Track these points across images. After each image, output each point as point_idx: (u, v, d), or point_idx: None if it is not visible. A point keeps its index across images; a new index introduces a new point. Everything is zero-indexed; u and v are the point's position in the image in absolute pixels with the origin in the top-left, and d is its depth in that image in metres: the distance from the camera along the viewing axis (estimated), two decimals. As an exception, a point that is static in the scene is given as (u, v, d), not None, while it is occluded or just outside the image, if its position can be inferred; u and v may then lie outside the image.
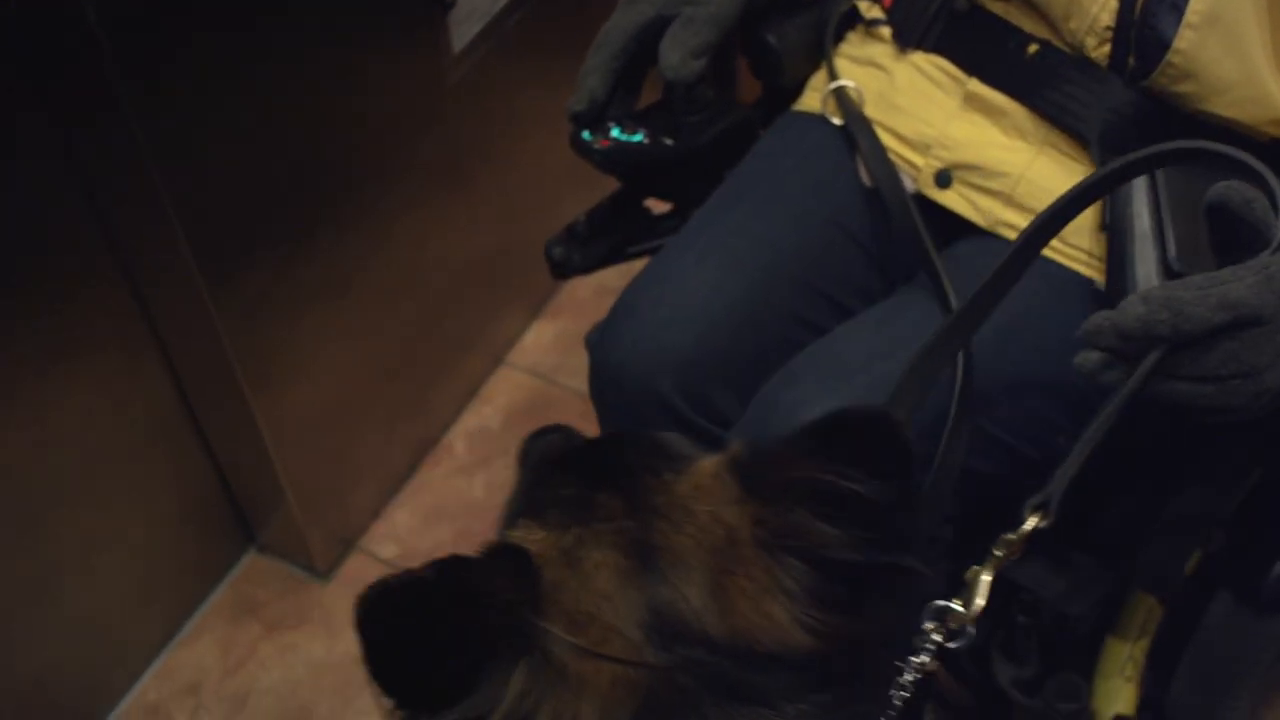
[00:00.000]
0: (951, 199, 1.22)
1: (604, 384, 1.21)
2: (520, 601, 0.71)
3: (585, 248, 1.33)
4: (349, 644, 1.76)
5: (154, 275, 1.53)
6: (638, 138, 1.25)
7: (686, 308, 1.18)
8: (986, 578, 0.88)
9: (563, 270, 1.33)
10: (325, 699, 1.76)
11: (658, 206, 1.42)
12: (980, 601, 0.88)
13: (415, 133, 1.74)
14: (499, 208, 1.96)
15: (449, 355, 2.03)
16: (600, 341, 1.21)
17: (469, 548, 2.07)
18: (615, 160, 1.26)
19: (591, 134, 1.25)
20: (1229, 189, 0.86)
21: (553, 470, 0.84)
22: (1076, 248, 1.16)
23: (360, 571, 1.88)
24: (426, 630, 0.67)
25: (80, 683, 1.75)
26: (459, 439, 2.04)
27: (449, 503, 1.95)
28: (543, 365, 2.12)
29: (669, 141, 1.26)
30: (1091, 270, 1.16)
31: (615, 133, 1.25)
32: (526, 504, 0.81)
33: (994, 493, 1.12)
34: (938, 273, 1.12)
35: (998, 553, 0.88)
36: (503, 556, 0.74)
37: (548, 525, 0.77)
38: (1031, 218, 1.17)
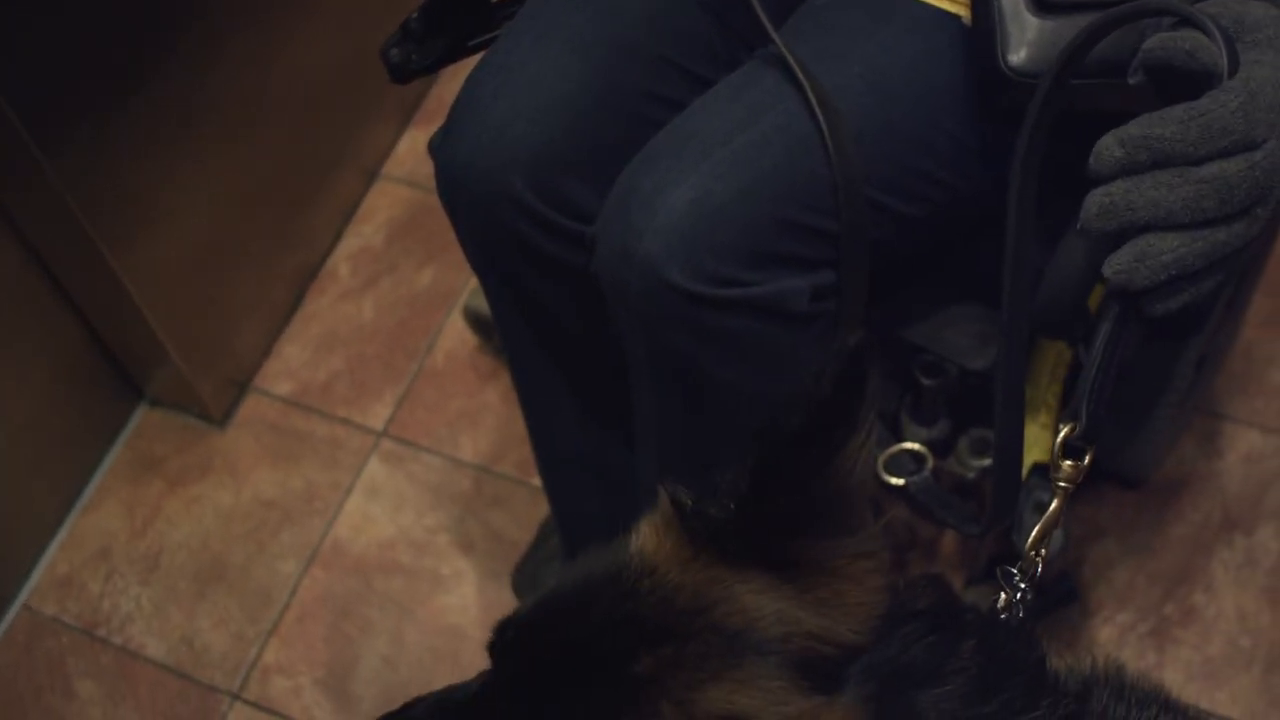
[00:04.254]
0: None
1: (452, 189, 1.12)
2: None
3: (422, 46, 1.22)
4: (255, 489, 1.73)
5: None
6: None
7: (531, 96, 1.09)
8: (1056, 504, 0.82)
9: (401, 73, 1.23)
10: (239, 546, 1.72)
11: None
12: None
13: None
14: (342, 11, 1.83)
15: (319, 176, 1.93)
16: (443, 144, 1.12)
17: (365, 373, 1.99)
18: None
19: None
20: (1164, 49, 0.78)
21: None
22: (940, -18, 1.09)
23: (257, 412, 1.81)
24: None
25: (-14, 565, 1.69)
26: (342, 262, 1.95)
27: (340, 329, 1.88)
28: (419, 174, 2.02)
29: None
30: (957, 6, 1.08)
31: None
32: None
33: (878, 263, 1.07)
34: (774, 38, 1.04)
35: (1062, 484, 0.81)
36: None
37: None
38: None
